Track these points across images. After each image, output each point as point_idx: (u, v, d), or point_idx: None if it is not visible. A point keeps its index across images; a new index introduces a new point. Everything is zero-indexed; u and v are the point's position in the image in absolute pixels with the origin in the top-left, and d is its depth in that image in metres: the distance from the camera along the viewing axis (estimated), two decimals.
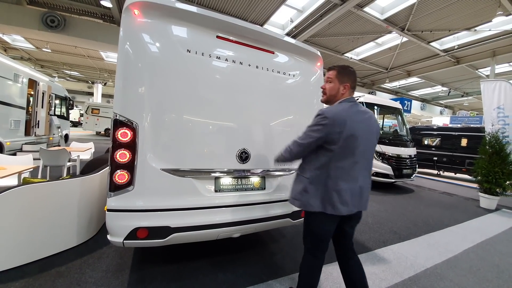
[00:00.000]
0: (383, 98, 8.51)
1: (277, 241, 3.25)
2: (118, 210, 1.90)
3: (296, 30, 12.21)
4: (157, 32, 1.97)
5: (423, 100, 26.10)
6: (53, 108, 9.41)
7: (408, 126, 8.16)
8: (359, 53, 15.64)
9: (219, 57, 2.18)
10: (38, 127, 8.11)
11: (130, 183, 1.91)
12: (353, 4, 9.41)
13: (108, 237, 1.93)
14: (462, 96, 22.76)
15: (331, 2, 9.70)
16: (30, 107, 7.96)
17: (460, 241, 3.81)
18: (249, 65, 2.33)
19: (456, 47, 13.24)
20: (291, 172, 2.60)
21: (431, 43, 13.23)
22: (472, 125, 13.10)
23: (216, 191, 2.19)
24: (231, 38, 2.25)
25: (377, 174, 6.79)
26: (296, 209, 2.59)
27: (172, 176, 2.00)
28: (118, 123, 1.86)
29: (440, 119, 24.75)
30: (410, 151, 7.33)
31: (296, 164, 2.70)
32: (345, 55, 15.36)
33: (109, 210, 1.87)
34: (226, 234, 2.23)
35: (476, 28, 11.33)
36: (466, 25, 11.22)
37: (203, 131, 2.15)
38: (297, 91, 2.67)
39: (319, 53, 2.81)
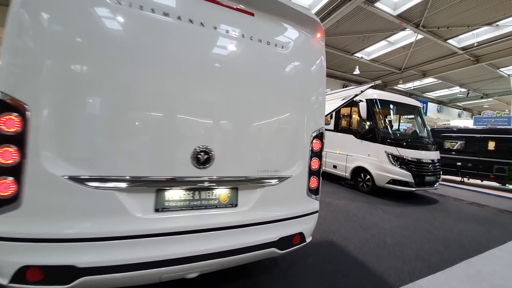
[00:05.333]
0: (399, 95, 7.61)
1: (268, 271, 2.49)
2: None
3: None
4: None
5: (440, 102, 24.89)
6: None
7: (428, 128, 7.22)
8: (370, 53, 14.92)
9: (167, 13, 1.49)
10: None
11: (16, 197, 1.22)
12: (363, 0, 8.73)
13: None
14: (482, 97, 21.69)
15: None
16: None
17: (508, 270, 2.91)
18: (215, 28, 1.63)
19: (475, 45, 12.30)
20: (278, 181, 1.85)
21: (448, 41, 12.39)
22: (500, 127, 11.96)
23: (157, 210, 1.46)
24: None
25: (394, 181, 5.90)
26: (285, 234, 1.83)
27: (84, 188, 1.30)
28: None
29: (459, 122, 23.45)
30: (433, 155, 6.42)
31: (286, 170, 1.96)
32: (355, 55, 14.69)
33: None
34: (173, 275, 1.49)
35: (498, 23, 10.50)
36: (486, 20, 10.35)
37: (137, 121, 1.45)
38: (288, 71, 1.95)
39: (318, 20, 2.08)
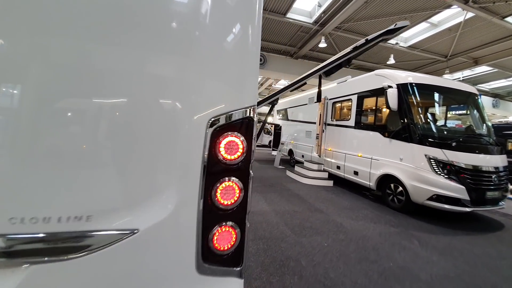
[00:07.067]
0: (445, 79, 5.88)
1: None
2: None
3: (325, 15, 10.31)
4: None
5: (496, 95, 21.98)
6: None
7: (489, 123, 5.35)
8: (407, 39, 13.02)
9: None
10: None
11: None
12: None
13: None
14: None
15: None
16: None
17: None
18: None
19: None
20: (88, 247, 0.67)
21: (507, 18, 10.18)
22: None
23: None
24: None
25: (439, 197, 4.28)
26: None
27: None
28: None
29: None
30: (497, 160, 4.62)
31: (116, 216, 0.78)
32: (389, 42, 12.89)
33: None
34: None
35: None
36: None
37: None
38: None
39: None
